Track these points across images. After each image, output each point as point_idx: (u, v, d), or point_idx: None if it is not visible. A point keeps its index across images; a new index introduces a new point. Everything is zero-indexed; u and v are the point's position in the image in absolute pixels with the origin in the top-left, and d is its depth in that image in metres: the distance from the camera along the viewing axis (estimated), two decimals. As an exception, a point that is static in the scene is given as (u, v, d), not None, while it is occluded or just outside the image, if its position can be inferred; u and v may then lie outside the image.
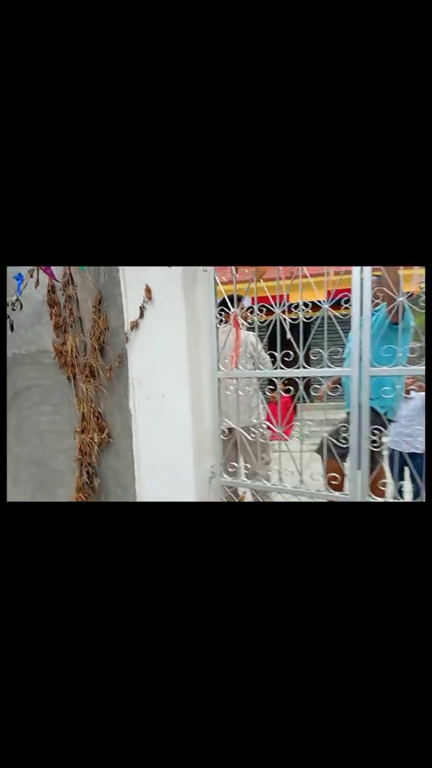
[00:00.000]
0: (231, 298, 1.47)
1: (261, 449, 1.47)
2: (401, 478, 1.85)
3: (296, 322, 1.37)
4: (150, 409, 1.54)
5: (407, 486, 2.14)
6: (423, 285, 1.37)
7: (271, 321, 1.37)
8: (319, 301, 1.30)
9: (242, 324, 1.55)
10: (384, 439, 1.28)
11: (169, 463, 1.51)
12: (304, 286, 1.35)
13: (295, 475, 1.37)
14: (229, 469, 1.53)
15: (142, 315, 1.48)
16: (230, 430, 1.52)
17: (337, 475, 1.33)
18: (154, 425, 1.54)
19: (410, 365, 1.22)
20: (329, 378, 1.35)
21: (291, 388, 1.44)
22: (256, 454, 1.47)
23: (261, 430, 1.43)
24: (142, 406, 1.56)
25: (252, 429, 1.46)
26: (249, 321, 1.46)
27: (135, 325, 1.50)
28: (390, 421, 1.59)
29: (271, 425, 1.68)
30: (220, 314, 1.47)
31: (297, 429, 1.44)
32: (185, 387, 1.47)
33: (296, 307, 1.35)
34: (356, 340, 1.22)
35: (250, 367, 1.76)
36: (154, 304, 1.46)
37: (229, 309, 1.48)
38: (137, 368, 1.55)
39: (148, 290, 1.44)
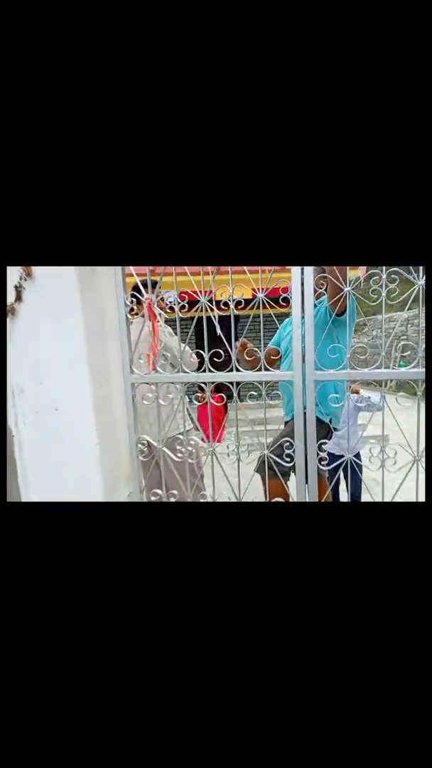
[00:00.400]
0: (144, 283, 1.14)
1: (191, 472, 1.20)
2: (337, 481, 1.76)
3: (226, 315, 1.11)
4: (40, 426, 1.15)
5: (343, 486, 2.09)
6: (369, 269, 1.22)
7: (195, 317, 1.10)
8: (254, 290, 1.06)
9: (160, 316, 1.23)
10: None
11: (70, 495, 1.14)
12: (234, 282, 1.08)
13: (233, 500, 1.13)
14: (152, 498, 1.23)
15: (19, 297, 1.07)
16: (150, 447, 1.21)
17: (281, 499, 1.13)
18: (46, 448, 1.15)
19: (351, 365, 1.05)
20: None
21: (223, 393, 1.19)
22: (184, 477, 1.19)
23: (189, 447, 1.15)
24: (29, 423, 1.16)
25: (178, 446, 1.17)
26: (167, 313, 1.15)
27: (11, 311, 1.09)
28: (334, 429, 1.45)
29: (200, 428, 1.42)
30: (131, 302, 1.13)
31: (228, 437, 1.20)
32: (86, 396, 1.12)
33: (225, 303, 1.09)
34: (297, 338, 1.01)
35: (170, 369, 1.47)
36: (36, 283, 1.06)
37: (142, 296, 1.15)
38: (18, 372, 1.13)
39: (27, 264, 1.04)
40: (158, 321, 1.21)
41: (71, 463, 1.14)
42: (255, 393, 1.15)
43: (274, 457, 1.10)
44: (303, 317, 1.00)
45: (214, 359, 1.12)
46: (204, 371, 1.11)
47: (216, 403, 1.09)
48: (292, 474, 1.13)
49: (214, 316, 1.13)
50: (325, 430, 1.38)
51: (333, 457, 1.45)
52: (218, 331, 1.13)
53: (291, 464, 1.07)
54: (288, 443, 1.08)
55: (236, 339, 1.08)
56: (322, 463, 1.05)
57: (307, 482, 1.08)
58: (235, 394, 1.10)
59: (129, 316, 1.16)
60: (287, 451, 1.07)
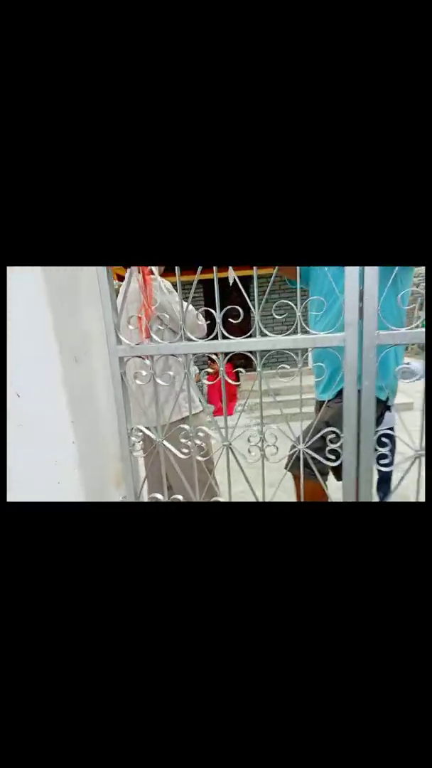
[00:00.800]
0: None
1: (200, 470, 0.91)
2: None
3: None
4: None
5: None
6: None
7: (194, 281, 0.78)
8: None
9: (153, 271, 0.90)
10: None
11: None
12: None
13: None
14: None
15: None
16: (149, 438, 0.92)
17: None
18: (8, 447, 0.87)
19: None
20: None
21: (239, 363, 0.90)
22: (192, 479, 0.91)
23: (198, 441, 0.86)
24: (-13, 414, 0.88)
25: (183, 439, 0.88)
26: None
27: None
28: (387, 409, 1.13)
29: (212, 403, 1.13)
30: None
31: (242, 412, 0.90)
32: (56, 376, 0.82)
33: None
34: (353, 282, 0.68)
35: (170, 336, 1.15)
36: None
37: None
38: (-35, 347, 0.84)
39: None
40: (151, 274, 0.89)
41: (41, 461, 0.86)
42: (276, 359, 0.84)
43: (312, 453, 0.81)
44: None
45: (231, 320, 0.81)
46: (216, 338, 0.80)
47: (231, 382, 0.78)
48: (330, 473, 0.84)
49: (231, 278, 0.81)
50: (379, 411, 1.08)
51: None
52: (231, 280, 0.81)
53: (338, 462, 0.77)
54: (333, 434, 0.78)
55: (260, 297, 0.76)
56: (382, 462, 0.75)
57: (358, 489, 0.78)
58: (259, 368, 0.79)
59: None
60: (332, 446, 0.77)
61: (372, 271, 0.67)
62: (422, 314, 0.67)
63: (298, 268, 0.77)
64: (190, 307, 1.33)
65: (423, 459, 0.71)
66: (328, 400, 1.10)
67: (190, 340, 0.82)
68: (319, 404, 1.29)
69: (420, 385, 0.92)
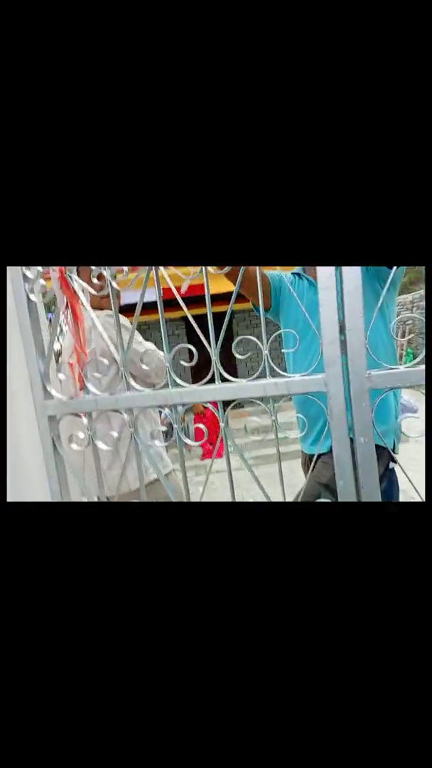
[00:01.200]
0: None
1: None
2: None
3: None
4: None
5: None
6: None
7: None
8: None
9: (84, 293, 0.73)
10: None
11: None
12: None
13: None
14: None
15: None
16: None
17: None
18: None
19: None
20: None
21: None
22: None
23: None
24: None
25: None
26: (96, 288, 0.66)
27: None
28: (392, 457, 0.93)
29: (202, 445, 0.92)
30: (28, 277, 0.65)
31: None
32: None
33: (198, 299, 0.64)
34: (329, 305, 0.53)
35: (115, 382, 0.97)
36: None
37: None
38: None
39: None
40: (81, 305, 0.72)
41: None
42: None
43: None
44: (337, 274, 0.53)
45: (182, 362, 0.64)
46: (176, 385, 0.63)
47: (220, 423, 0.59)
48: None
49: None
50: (384, 462, 0.88)
51: None
52: (185, 288, 0.65)
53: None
54: (328, 499, 0.60)
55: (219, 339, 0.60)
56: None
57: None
58: (222, 422, 0.62)
59: (36, 296, 0.68)
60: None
61: (353, 296, 0.52)
62: (405, 341, 0.54)
63: (260, 289, 0.62)
64: (150, 345, 1.16)
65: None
66: (320, 454, 0.87)
67: (145, 387, 0.65)
68: (308, 457, 1.11)
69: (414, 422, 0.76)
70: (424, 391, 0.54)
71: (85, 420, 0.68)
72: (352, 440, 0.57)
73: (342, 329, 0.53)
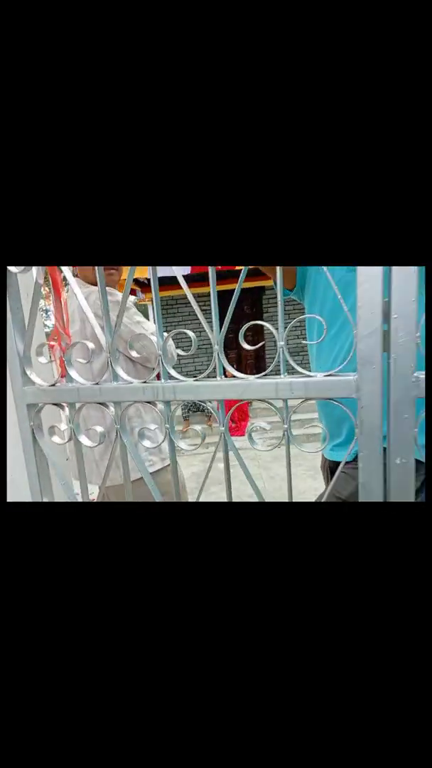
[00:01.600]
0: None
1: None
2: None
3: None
4: None
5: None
6: None
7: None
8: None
9: (68, 276, 0.62)
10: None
11: None
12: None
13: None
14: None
15: None
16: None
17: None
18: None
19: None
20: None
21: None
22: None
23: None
24: None
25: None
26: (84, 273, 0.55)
27: None
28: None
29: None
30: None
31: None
32: None
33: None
34: (369, 293, 0.39)
35: (128, 366, 0.85)
36: None
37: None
38: None
39: None
40: (64, 284, 0.61)
41: None
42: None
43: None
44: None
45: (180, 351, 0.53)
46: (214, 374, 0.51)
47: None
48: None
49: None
50: (421, 477, 0.75)
51: None
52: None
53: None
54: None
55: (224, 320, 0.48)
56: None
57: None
58: (222, 425, 0.50)
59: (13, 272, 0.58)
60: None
61: (404, 275, 0.38)
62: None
63: (279, 269, 0.49)
64: (151, 329, 1.01)
65: None
66: (345, 463, 0.68)
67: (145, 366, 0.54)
68: (328, 462, 0.97)
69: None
70: None
71: (67, 411, 0.59)
72: (384, 450, 0.44)
73: (386, 317, 0.40)
